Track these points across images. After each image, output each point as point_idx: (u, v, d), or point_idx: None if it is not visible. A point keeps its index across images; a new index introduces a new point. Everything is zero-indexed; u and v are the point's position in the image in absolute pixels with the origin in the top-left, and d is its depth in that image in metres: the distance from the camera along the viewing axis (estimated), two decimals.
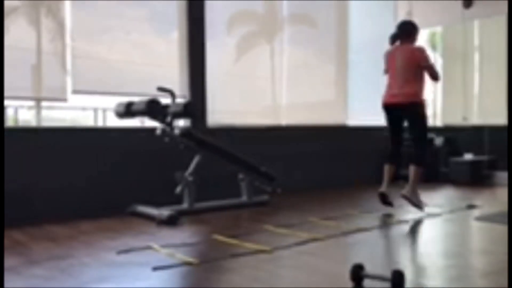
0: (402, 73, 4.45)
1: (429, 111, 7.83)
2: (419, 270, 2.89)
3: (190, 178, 4.44)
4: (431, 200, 5.15)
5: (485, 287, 2.59)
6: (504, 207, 4.81)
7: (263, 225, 3.91)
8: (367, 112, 6.95)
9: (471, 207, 4.78)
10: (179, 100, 4.69)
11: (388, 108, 4.60)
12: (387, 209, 4.64)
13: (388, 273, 2.36)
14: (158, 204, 4.31)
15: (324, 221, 4.10)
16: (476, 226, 4.12)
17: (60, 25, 4.52)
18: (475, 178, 6.43)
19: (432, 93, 8.67)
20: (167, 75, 5.11)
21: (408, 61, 4.44)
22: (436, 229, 4.08)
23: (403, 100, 4.42)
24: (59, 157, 4.31)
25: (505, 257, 3.16)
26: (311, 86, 6.49)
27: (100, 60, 4.78)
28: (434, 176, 6.55)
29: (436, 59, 9.76)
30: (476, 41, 8.66)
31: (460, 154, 6.86)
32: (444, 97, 8.56)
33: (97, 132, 5.04)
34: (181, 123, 4.92)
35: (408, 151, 4.63)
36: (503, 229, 3.98)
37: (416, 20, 7.08)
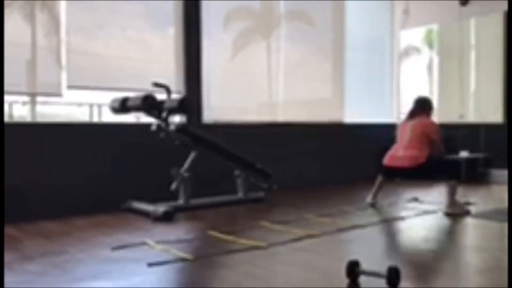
0: (410, 138, 4.58)
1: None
2: (414, 266, 2.88)
3: (186, 174, 4.42)
4: (426, 198, 5.16)
5: (480, 284, 2.59)
6: (499, 204, 4.82)
7: (259, 222, 3.90)
8: (363, 109, 6.96)
9: (466, 204, 4.78)
10: (175, 96, 4.67)
11: (390, 169, 4.69)
12: (383, 207, 4.64)
13: (383, 270, 2.35)
14: (153, 200, 4.29)
15: (319, 217, 4.10)
16: (471, 223, 4.13)
17: (55, 20, 4.50)
18: (471, 176, 6.44)
19: (428, 92, 8.67)
20: (163, 71, 5.10)
21: (420, 129, 4.58)
22: (431, 227, 4.08)
23: (409, 164, 4.51)
24: (54, 152, 4.29)
25: (500, 254, 3.17)
26: (307, 84, 6.49)
27: (95, 56, 4.75)
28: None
29: (432, 57, 9.79)
30: (472, 39, 8.67)
31: (456, 151, 6.86)
32: (440, 95, 8.57)
33: (92, 127, 5.02)
34: (177, 119, 4.91)
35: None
36: (498, 226, 4.00)
37: (412, 18, 7.12)
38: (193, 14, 5.25)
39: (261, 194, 5.01)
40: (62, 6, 4.53)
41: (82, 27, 4.66)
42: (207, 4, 5.36)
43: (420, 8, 7.15)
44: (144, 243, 3.23)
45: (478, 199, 5.12)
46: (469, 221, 4.18)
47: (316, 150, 6.20)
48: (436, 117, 8.59)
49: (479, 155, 6.91)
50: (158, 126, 4.40)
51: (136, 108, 4.31)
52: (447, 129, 7.60)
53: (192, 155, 4.54)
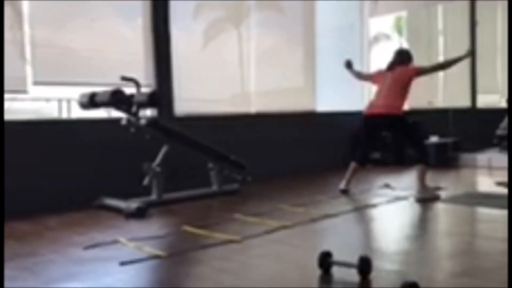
0: (388, 88, 4.69)
1: None
2: (385, 255, 2.93)
3: (158, 169, 4.38)
4: (398, 184, 5.24)
5: (451, 268, 2.65)
6: (469, 189, 4.94)
7: (233, 214, 3.90)
8: (335, 98, 7.00)
9: (437, 189, 4.88)
10: (145, 90, 4.61)
11: (370, 117, 4.80)
12: (355, 194, 4.71)
13: (355, 260, 2.38)
14: (126, 196, 4.24)
15: (293, 207, 4.13)
16: (442, 208, 4.22)
17: (17, 12, 4.36)
18: (441, 160, 6.57)
19: None
20: (133, 63, 4.99)
21: (398, 78, 4.68)
22: (402, 213, 4.16)
23: (386, 112, 4.64)
24: (22, 150, 4.19)
25: (470, 239, 3.25)
26: (280, 73, 6.47)
27: (62, 49, 4.63)
28: (401, 159, 6.66)
29: (401, 43, 9.89)
30: (440, 25, 8.82)
31: (426, 137, 6.96)
32: None
33: (62, 123, 4.92)
34: (148, 113, 4.85)
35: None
36: (468, 210, 4.10)
37: (381, 5, 7.17)
38: (161, 4, 5.16)
39: (235, 186, 5.00)
40: None
41: (47, 20, 4.52)
42: None
43: None
44: (116, 241, 3.19)
45: (448, 184, 5.23)
46: (440, 206, 4.27)
47: (290, 139, 6.22)
48: (407, 104, 8.74)
49: (449, 139, 7.05)
50: (128, 120, 4.34)
51: (105, 104, 4.24)
52: (417, 115, 7.74)
53: (164, 149, 4.50)
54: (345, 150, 6.20)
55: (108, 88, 4.26)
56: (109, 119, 4.88)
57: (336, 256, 2.48)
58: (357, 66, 7.55)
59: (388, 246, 3.19)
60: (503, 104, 9.49)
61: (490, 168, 6.48)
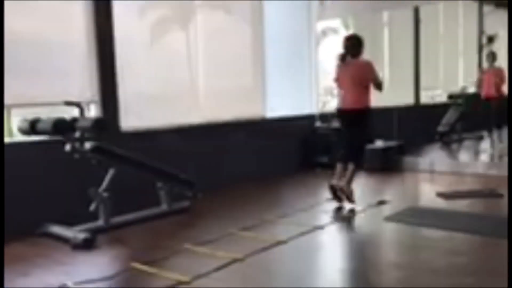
0: (353, 84, 4.95)
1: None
2: None
3: (105, 194, 4.29)
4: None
5: None
6: (411, 202, 5.14)
7: (182, 244, 3.87)
8: (285, 103, 7.03)
9: (381, 203, 5.04)
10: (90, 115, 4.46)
11: (343, 114, 5.14)
12: (301, 213, 4.82)
13: None
14: (72, 220, 4.13)
15: (243, 232, 4.16)
16: (386, 229, 4.38)
17: None
18: (385, 165, 6.78)
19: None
20: (75, 76, 4.81)
21: (358, 74, 4.96)
22: (348, 236, 4.29)
23: (354, 107, 4.97)
24: None
25: (415, 273, 3.32)
26: (229, 79, 6.37)
27: None
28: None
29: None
30: (385, 18, 9.09)
31: (371, 141, 7.11)
32: None
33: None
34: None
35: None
36: (410, 231, 4.26)
37: (329, 9, 7.20)
38: (104, 9, 4.96)
39: (186, 203, 4.97)
40: None
41: None
42: None
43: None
44: (65, 286, 3.12)
45: (391, 195, 5.40)
46: (384, 225, 4.41)
47: (241, 147, 6.21)
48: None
49: (393, 143, 7.24)
50: (72, 147, 4.20)
51: (47, 132, 4.07)
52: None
53: (110, 173, 4.40)
54: (295, 154, 6.25)
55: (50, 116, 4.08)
56: (54, 141, 4.67)
57: None
58: (305, 65, 7.64)
59: (333, 279, 3.28)
60: (445, 98, 9.91)
61: (432, 172, 6.75)
